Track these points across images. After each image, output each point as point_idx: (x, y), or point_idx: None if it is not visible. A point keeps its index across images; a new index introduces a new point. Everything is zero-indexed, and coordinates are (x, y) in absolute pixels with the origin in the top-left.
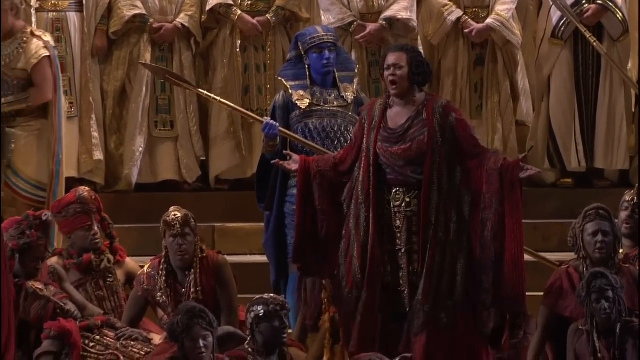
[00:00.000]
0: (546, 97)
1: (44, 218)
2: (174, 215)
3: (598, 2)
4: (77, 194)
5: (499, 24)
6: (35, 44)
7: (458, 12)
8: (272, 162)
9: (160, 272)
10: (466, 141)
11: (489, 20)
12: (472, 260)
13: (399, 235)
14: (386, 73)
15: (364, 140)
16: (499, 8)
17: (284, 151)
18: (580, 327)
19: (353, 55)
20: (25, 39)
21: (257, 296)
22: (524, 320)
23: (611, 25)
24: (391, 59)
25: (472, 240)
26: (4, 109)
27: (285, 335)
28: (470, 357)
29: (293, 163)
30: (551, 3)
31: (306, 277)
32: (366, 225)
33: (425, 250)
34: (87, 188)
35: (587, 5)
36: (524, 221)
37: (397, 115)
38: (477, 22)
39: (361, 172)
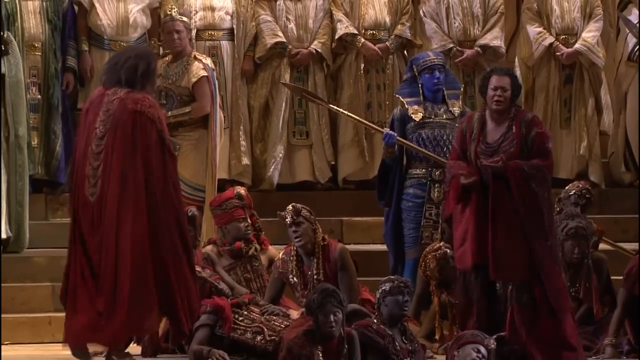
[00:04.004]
0: (624, 111)
1: (190, 214)
2: (287, 208)
3: None
4: (235, 191)
5: (585, 48)
6: (196, 65)
7: (550, 39)
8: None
9: (291, 258)
10: (533, 153)
11: (577, 45)
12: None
13: None
14: (492, 93)
15: (468, 150)
16: (585, 35)
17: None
18: None
19: None
20: (189, 61)
21: (379, 278)
22: (608, 299)
23: None
24: (499, 81)
25: None
26: (170, 120)
27: (406, 309)
28: (554, 331)
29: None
30: (627, 31)
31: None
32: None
33: None
34: (243, 187)
35: None
36: (605, 216)
37: (494, 131)
38: (567, 47)
39: None
